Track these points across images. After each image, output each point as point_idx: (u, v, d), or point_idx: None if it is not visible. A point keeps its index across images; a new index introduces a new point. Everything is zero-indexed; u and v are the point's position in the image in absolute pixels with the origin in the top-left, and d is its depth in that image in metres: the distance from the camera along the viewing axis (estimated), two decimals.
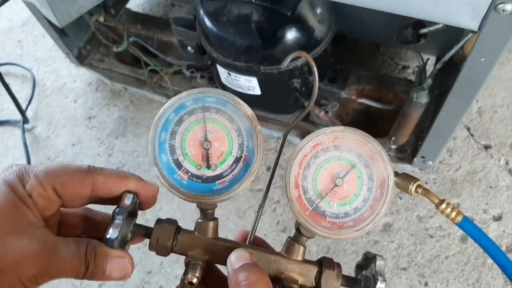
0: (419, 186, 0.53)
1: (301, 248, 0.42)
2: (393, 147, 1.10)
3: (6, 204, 0.33)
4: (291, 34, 0.94)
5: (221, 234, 0.43)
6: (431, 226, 1.10)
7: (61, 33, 1.28)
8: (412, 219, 1.11)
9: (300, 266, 0.41)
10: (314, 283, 0.41)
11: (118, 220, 0.39)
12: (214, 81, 1.22)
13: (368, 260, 0.42)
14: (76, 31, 1.34)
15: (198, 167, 0.41)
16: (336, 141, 0.41)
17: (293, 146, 1.32)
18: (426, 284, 1.04)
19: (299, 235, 0.42)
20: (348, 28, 1.23)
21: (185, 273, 0.40)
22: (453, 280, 1.04)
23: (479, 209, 1.11)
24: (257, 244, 0.44)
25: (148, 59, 1.26)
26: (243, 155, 0.41)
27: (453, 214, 0.50)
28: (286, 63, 0.43)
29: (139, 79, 1.34)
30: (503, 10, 0.62)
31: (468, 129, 1.22)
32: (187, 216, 1.17)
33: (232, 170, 0.41)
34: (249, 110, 0.41)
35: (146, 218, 1.15)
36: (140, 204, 0.42)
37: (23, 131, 1.35)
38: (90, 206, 0.43)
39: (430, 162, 1.07)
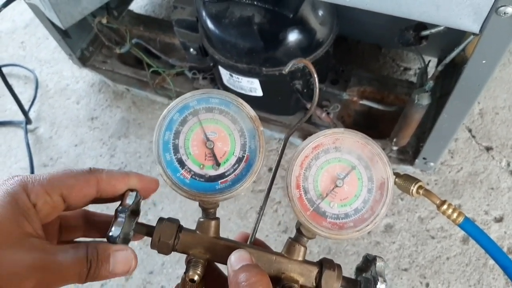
0: (420, 187, 0.53)
1: (302, 248, 0.42)
2: (395, 148, 1.11)
3: (5, 217, 0.33)
4: (293, 36, 0.94)
5: (222, 235, 0.43)
6: (433, 227, 1.10)
7: (64, 35, 1.28)
8: (413, 220, 1.11)
9: (301, 266, 0.41)
10: (314, 284, 0.41)
11: (121, 218, 0.40)
12: (216, 82, 1.23)
13: (368, 262, 0.42)
14: (79, 33, 1.34)
15: (201, 166, 0.42)
16: (337, 142, 0.41)
17: (295, 148, 1.32)
18: (427, 285, 1.04)
19: (300, 235, 0.42)
20: (349, 30, 1.24)
21: (186, 271, 0.40)
22: (454, 281, 1.04)
23: (480, 211, 1.11)
24: (257, 245, 0.44)
25: (150, 61, 1.26)
26: (245, 155, 0.42)
27: (455, 215, 0.51)
28: (287, 69, 0.44)
29: (141, 81, 1.34)
30: (504, 13, 0.63)
31: (470, 130, 1.22)
32: (188, 216, 1.17)
33: (234, 170, 0.42)
34: (251, 111, 0.42)
35: (148, 218, 1.16)
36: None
37: (26, 132, 1.36)
38: (91, 207, 0.43)
39: (432, 164, 1.08)
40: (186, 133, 0.42)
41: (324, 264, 0.41)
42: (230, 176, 0.42)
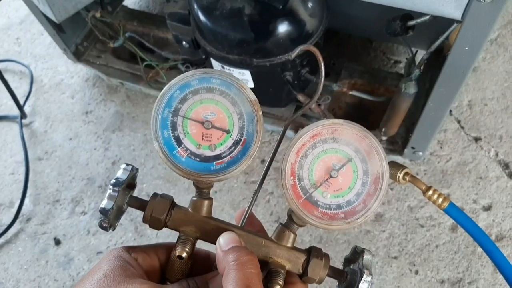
0: (406, 173, 0.54)
1: (292, 235, 0.42)
2: (384, 138, 1.12)
3: (118, 265, 0.39)
4: (282, 27, 0.96)
5: None
6: (422, 216, 1.12)
7: (58, 30, 1.30)
8: (403, 209, 1.13)
9: (289, 252, 0.41)
10: (301, 271, 0.41)
11: (114, 191, 0.40)
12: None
13: (356, 254, 0.42)
14: (73, 28, 1.36)
15: (198, 146, 0.42)
16: (335, 133, 0.41)
17: (288, 139, 1.34)
18: (416, 272, 1.06)
19: (290, 222, 0.42)
20: (340, 24, 1.26)
21: (175, 248, 0.41)
22: (443, 268, 1.06)
23: (469, 199, 1.13)
24: (254, 226, 0.45)
25: (144, 55, 1.28)
26: (242, 139, 0.42)
27: (440, 200, 0.52)
28: (293, 55, 0.43)
29: (135, 75, 1.36)
30: None
31: (459, 121, 1.24)
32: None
33: (231, 152, 0.42)
34: (252, 95, 0.41)
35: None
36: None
37: (21, 126, 1.37)
38: None
39: (420, 153, 1.09)
40: (185, 111, 0.41)
41: (312, 252, 0.41)
42: (225, 158, 0.42)
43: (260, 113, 0.42)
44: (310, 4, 0.99)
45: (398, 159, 1.14)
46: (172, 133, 0.42)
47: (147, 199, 0.43)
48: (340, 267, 0.44)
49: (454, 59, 0.77)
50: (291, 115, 1.22)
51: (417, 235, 1.10)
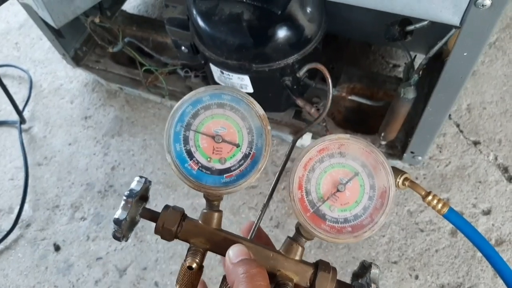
0: (406, 179, 0.54)
1: (300, 248, 0.43)
2: (383, 143, 1.12)
3: None
4: (281, 33, 0.96)
5: None
6: (422, 220, 1.12)
7: (57, 35, 1.30)
8: (403, 213, 1.13)
9: (297, 265, 0.42)
10: (308, 284, 0.41)
11: (128, 202, 0.41)
12: (208, 80, 1.24)
13: (364, 268, 0.43)
14: (72, 33, 1.36)
15: (209, 159, 0.43)
16: (342, 148, 0.42)
17: (287, 144, 1.32)
18: (416, 277, 1.06)
19: (298, 235, 0.43)
20: (339, 29, 1.26)
21: (186, 258, 0.42)
22: (443, 273, 1.06)
23: (468, 204, 1.13)
24: (261, 239, 0.46)
25: (143, 59, 1.28)
26: (251, 153, 0.43)
27: (440, 205, 0.52)
28: (302, 73, 0.46)
29: (134, 80, 1.36)
30: (483, 5, 0.65)
31: (458, 125, 1.24)
32: None
33: (240, 166, 0.43)
34: (260, 110, 0.43)
35: None
36: None
37: (20, 131, 1.37)
38: None
39: (420, 158, 1.09)
40: (197, 125, 0.43)
41: (319, 266, 0.42)
42: (235, 171, 0.43)
43: (269, 127, 0.43)
44: (308, 9, 0.99)
45: (398, 163, 1.14)
46: (184, 146, 0.43)
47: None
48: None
49: (453, 65, 0.78)
50: (290, 119, 1.23)
51: (417, 239, 1.10)
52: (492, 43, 1.37)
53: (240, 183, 0.43)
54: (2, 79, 1.26)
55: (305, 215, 0.41)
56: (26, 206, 1.25)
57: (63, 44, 1.33)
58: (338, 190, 0.41)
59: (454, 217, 0.54)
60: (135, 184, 0.43)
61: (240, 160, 0.43)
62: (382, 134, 1.07)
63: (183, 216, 0.43)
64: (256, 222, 0.45)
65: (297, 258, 0.42)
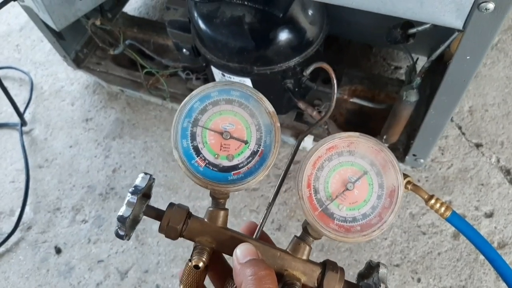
0: (409, 182, 0.54)
1: (307, 247, 0.42)
2: (385, 145, 1.12)
3: None
4: (283, 35, 0.96)
5: None
6: (424, 223, 1.11)
7: (58, 37, 1.30)
8: (405, 216, 1.13)
9: (304, 265, 0.41)
10: (316, 284, 0.41)
11: (132, 199, 0.40)
12: (209, 82, 1.24)
13: (370, 269, 0.42)
14: (73, 35, 1.36)
15: (216, 156, 0.42)
16: (351, 146, 0.41)
17: (289, 146, 1.31)
18: (419, 280, 1.06)
19: (306, 235, 0.42)
20: (340, 30, 1.25)
21: (191, 257, 0.41)
22: (445, 276, 1.05)
23: (470, 206, 1.12)
24: (262, 239, 0.45)
25: (144, 62, 1.28)
26: (260, 150, 0.43)
27: (442, 209, 0.52)
28: (308, 71, 0.45)
29: (135, 82, 1.35)
30: (486, 9, 0.64)
31: (460, 127, 1.24)
32: None
33: (248, 163, 0.43)
34: (270, 107, 0.42)
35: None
36: None
37: (21, 133, 1.37)
38: None
39: (422, 160, 1.09)
40: (204, 121, 0.42)
41: (327, 265, 0.41)
42: (243, 169, 0.42)
43: (278, 124, 0.42)
44: (310, 12, 0.99)
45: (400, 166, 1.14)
46: (191, 143, 0.43)
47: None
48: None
49: (455, 68, 0.77)
50: (292, 122, 1.22)
51: (419, 242, 1.09)
52: (494, 45, 1.37)
53: (248, 180, 0.42)
54: (3, 81, 1.26)
55: (313, 214, 0.41)
56: (27, 208, 1.25)
57: (64, 46, 1.33)
58: (346, 189, 0.41)
59: (457, 221, 0.54)
60: (139, 181, 0.42)
61: (248, 157, 0.43)
62: (384, 137, 1.07)
63: (189, 214, 0.42)
64: (261, 221, 0.44)
65: (304, 257, 0.42)
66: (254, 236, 0.43)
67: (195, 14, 1.00)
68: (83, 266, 1.16)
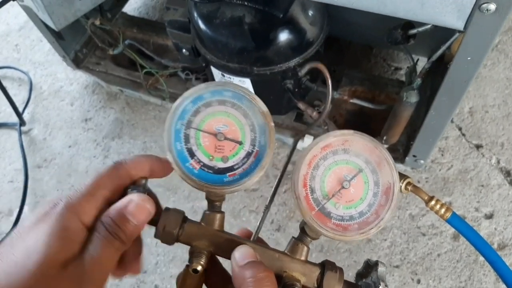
0: (409, 183, 0.54)
1: (305, 248, 0.42)
2: (385, 146, 1.12)
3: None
4: (283, 36, 0.96)
5: None
6: (423, 224, 1.11)
7: (57, 37, 1.29)
8: (404, 217, 1.12)
9: (303, 266, 0.41)
10: (316, 285, 0.41)
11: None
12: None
13: (369, 268, 0.42)
14: (72, 35, 1.35)
15: (211, 157, 0.42)
16: (346, 144, 0.41)
17: (288, 147, 1.30)
18: (418, 281, 1.05)
19: (303, 235, 0.42)
20: (341, 31, 1.25)
21: (190, 261, 0.40)
22: (445, 277, 1.05)
23: (470, 208, 1.12)
24: (258, 242, 0.45)
25: (143, 62, 1.27)
26: (254, 150, 0.42)
27: (442, 210, 0.52)
28: (304, 71, 0.44)
29: (135, 82, 1.35)
30: (487, 10, 0.64)
31: (460, 128, 1.24)
32: None
33: (243, 164, 0.42)
34: (263, 107, 0.42)
35: None
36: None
37: (20, 133, 1.36)
38: None
39: (422, 161, 1.09)
40: (198, 123, 0.42)
41: (326, 266, 0.41)
42: (238, 170, 0.42)
43: (272, 124, 0.42)
44: (310, 12, 0.99)
45: (400, 167, 1.14)
46: (185, 145, 0.42)
47: None
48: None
49: (456, 69, 0.77)
50: (292, 122, 1.22)
51: (419, 243, 1.09)
52: (494, 46, 1.37)
53: (244, 181, 0.42)
54: (2, 81, 1.26)
55: (310, 213, 0.41)
56: (25, 208, 1.24)
57: (63, 46, 1.33)
58: (342, 187, 0.41)
59: (457, 222, 0.54)
60: (139, 182, 0.42)
61: (243, 158, 0.42)
62: (384, 138, 1.07)
63: (184, 218, 0.42)
64: (259, 223, 0.44)
65: (302, 258, 0.42)
66: (251, 239, 0.43)
67: (195, 14, 0.99)
68: None
